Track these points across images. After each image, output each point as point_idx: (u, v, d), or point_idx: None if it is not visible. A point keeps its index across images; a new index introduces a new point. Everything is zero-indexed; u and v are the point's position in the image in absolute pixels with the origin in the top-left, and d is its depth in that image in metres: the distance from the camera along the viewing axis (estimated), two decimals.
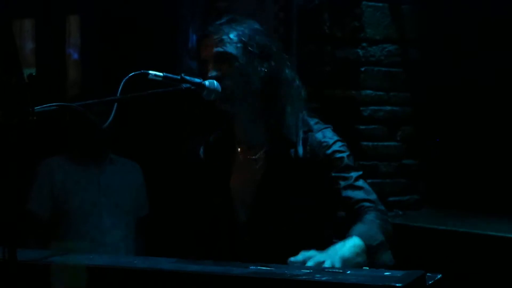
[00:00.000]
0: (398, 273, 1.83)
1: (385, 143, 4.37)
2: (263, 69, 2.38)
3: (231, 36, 2.37)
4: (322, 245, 2.31)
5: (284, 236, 2.38)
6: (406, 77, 4.43)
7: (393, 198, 4.39)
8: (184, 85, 2.28)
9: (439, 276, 1.92)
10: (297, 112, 2.43)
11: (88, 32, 5.25)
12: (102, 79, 4.93)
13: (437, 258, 3.66)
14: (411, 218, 4.28)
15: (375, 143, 4.32)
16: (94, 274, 1.92)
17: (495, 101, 4.30)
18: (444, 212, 4.38)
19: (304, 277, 1.81)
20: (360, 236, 2.17)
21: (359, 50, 4.28)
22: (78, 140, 3.68)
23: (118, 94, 2.16)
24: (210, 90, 2.31)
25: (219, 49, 2.36)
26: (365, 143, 4.29)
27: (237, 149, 2.48)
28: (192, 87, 2.29)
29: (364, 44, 4.28)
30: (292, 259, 2.07)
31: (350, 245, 2.14)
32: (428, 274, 1.89)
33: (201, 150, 2.57)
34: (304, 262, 2.06)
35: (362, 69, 4.28)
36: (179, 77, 2.28)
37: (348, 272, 1.89)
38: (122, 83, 2.16)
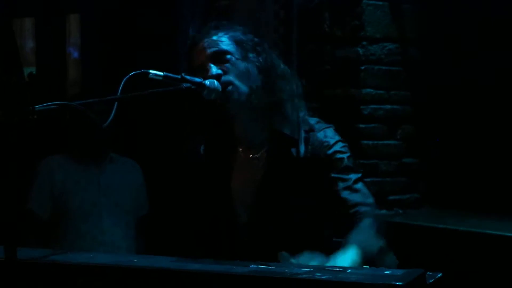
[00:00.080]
0: (399, 272, 1.83)
1: (385, 142, 4.37)
2: (260, 59, 2.39)
3: (221, 35, 2.39)
4: (322, 245, 2.31)
5: (284, 236, 2.38)
6: (406, 76, 4.43)
7: (393, 196, 4.39)
8: (185, 85, 2.28)
9: (439, 275, 1.92)
10: (297, 110, 2.44)
11: (89, 31, 5.25)
12: (102, 78, 4.93)
13: (437, 257, 3.66)
14: (411, 217, 4.28)
15: (375, 142, 4.32)
16: (94, 273, 1.93)
17: (495, 101, 4.30)
18: (444, 211, 4.38)
19: (304, 275, 1.81)
20: (360, 245, 2.17)
21: (359, 49, 4.28)
22: (78, 139, 3.68)
23: (118, 93, 2.15)
24: (211, 89, 2.31)
25: (214, 49, 2.37)
26: (365, 141, 4.29)
27: (238, 149, 2.48)
28: (193, 87, 2.29)
29: (364, 43, 4.28)
30: (283, 253, 2.09)
31: (350, 255, 2.14)
32: (428, 273, 1.89)
33: (201, 150, 2.57)
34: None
35: (362, 67, 4.28)
36: (179, 76, 2.28)
37: (349, 270, 1.89)
38: (122, 83, 2.15)
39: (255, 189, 2.41)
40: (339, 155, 2.39)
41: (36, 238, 3.57)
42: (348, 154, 2.40)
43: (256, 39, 2.45)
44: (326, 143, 2.40)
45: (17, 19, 5.48)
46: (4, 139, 1.80)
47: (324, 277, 1.79)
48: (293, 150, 2.40)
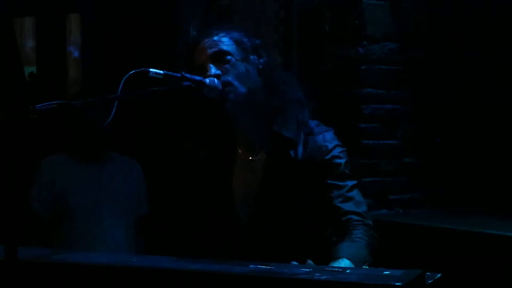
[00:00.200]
0: (398, 272, 1.83)
1: (386, 142, 4.37)
2: (260, 61, 2.39)
3: (222, 36, 2.39)
4: (323, 245, 2.32)
5: (285, 236, 2.38)
6: (406, 75, 4.42)
7: (394, 196, 4.39)
8: (185, 83, 2.28)
9: (438, 275, 1.92)
10: (297, 112, 2.44)
11: (89, 30, 5.25)
12: (103, 77, 4.93)
13: (437, 257, 3.66)
14: (411, 216, 4.28)
15: (376, 142, 4.32)
16: (94, 273, 1.93)
17: (496, 101, 4.30)
18: (444, 210, 4.38)
19: (304, 276, 1.81)
20: (351, 258, 2.17)
21: (359, 49, 4.27)
22: (79, 139, 3.68)
23: (118, 92, 2.16)
24: (211, 88, 2.31)
25: (214, 49, 2.37)
26: (365, 141, 4.29)
27: (238, 150, 2.48)
28: (193, 85, 2.29)
29: (364, 43, 4.28)
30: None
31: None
32: (427, 273, 1.89)
33: (201, 150, 2.57)
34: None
35: (363, 67, 4.28)
36: (179, 75, 2.28)
37: (348, 271, 1.90)
38: (122, 81, 2.16)
39: (256, 190, 2.41)
40: (336, 160, 2.39)
41: (37, 238, 3.57)
42: (345, 160, 2.40)
43: (257, 41, 2.45)
44: (324, 148, 2.40)
45: (17, 18, 5.47)
46: (5, 139, 1.80)
47: (323, 277, 1.79)
48: (292, 152, 2.40)
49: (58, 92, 5.06)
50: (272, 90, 2.40)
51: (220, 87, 2.32)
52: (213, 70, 2.34)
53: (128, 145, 3.96)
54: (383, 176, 4.34)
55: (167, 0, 4.79)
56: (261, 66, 2.40)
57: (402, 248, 3.75)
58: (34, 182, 3.63)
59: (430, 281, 1.87)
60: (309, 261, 2.16)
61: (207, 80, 2.31)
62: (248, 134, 2.45)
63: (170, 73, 2.27)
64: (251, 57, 2.40)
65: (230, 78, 2.35)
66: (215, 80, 2.32)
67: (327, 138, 2.41)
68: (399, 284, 1.70)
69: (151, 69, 2.23)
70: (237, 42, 2.39)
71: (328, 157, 2.38)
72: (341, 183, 2.37)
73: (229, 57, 2.37)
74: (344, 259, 2.16)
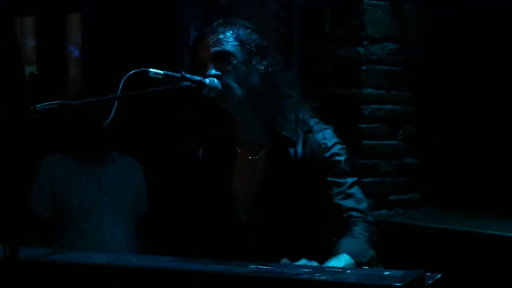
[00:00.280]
0: (398, 273, 1.83)
1: (386, 142, 4.37)
2: (262, 66, 2.38)
3: (228, 35, 2.37)
4: (323, 244, 2.32)
5: (285, 235, 2.38)
6: (407, 75, 4.43)
7: (394, 196, 4.39)
8: (185, 83, 2.28)
9: (438, 275, 1.92)
10: (297, 112, 2.44)
11: (89, 30, 5.26)
12: (103, 77, 4.93)
13: (437, 257, 3.67)
14: (411, 217, 4.28)
15: (376, 142, 4.33)
16: (94, 272, 1.93)
17: (496, 100, 4.30)
18: (444, 211, 4.38)
19: (304, 276, 1.81)
20: (351, 253, 2.17)
21: (360, 49, 4.28)
22: (79, 138, 3.68)
23: (118, 92, 2.15)
24: (211, 88, 2.31)
25: (217, 48, 2.36)
26: (366, 141, 4.29)
27: (237, 150, 2.48)
28: (193, 85, 2.29)
29: (365, 43, 4.28)
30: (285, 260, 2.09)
31: (341, 264, 2.14)
32: (427, 273, 1.89)
33: (201, 150, 2.57)
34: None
35: (363, 67, 4.28)
36: (179, 75, 2.28)
37: (348, 271, 1.90)
38: (122, 81, 2.15)
39: (256, 189, 2.42)
40: (336, 158, 2.38)
41: (37, 237, 3.57)
42: (345, 157, 2.40)
43: (263, 42, 2.43)
44: (324, 145, 2.39)
45: (18, 18, 5.48)
46: (5, 138, 1.80)
47: (323, 277, 1.79)
48: (291, 150, 2.40)
49: (58, 92, 5.06)
50: (273, 92, 2.39)
51: (220, 87, 2.32)
52: (213, 72, 2.34)
53: (128, 145, 3.96)
54: (383, 177, 4.34)
55: (167, 0, 4.80)
56: (263, 68, 2.39)
57: (402, 248, 3.75)
58: (34, 182, 3.64)
59: (430, 282, 1.87)
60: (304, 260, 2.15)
61: (207, 80, 2.31)
62: (247, 134, 2.45)
63: (170, 73, 2.27)
64: (254, 58, 2.38)
65: (229, 80, 2.34)
66: (215, 80, 2.32)
67: (327, 136, 2.41)
68: (399, 284, 1.70)
69: (151, 69, 2.23)
70: (241, 42, 2.38)
71: (327, 154, 2.38)
72: (341, 180, 2.36)
73: (231, 58, 2.36)
74: (344, 254, 2.16)
